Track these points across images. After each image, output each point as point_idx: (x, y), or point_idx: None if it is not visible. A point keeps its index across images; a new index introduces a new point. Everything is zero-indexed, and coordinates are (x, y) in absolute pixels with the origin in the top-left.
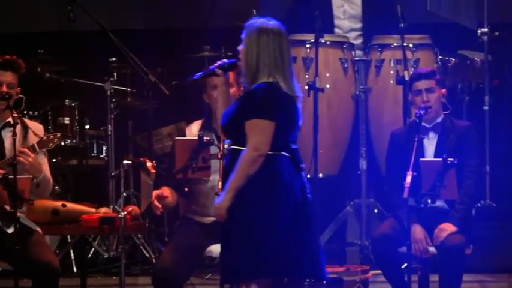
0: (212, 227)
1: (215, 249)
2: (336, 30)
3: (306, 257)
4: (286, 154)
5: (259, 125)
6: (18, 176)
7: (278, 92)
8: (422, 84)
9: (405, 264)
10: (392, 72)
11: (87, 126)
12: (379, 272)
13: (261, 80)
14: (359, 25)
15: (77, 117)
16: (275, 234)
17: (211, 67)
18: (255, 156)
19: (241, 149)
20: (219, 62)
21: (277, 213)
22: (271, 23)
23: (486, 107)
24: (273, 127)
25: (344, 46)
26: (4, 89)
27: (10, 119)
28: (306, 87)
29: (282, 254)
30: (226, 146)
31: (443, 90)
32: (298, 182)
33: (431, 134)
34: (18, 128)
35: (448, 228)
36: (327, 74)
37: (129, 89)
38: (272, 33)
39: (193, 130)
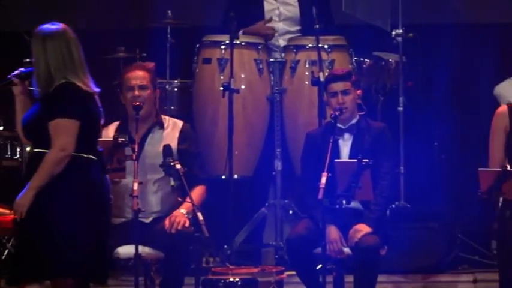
0: (120, 229)
1: (122, 250)
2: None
3: (103, 259)
4: (94, 157)
5: (63, 124)
6: None
7: (76, 90)
8: (337, 86)
9: (320, 265)
10: (307, 73)
11: (0, 128)
12: (294, 273)
13: (56, 83)
14: (296, 27)
15: None
16: (78, 235)
17: (9, 76)
18: (61, 156)
19: (43, 151)
20: (16, 71)
21: (83, 215)
22: (54, 27)
23: (401, 108)
24: (77, 126)
25: (259, 47)
26: None
27: None
28: (221, 88)
29: (83, 254)
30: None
31: (359, 92)
32: (105, 185)
33: (346, 135)
34: None
35: (362, 229)
36: (242, 75)
37: None
38: (57, 36)
39: (110, 132)
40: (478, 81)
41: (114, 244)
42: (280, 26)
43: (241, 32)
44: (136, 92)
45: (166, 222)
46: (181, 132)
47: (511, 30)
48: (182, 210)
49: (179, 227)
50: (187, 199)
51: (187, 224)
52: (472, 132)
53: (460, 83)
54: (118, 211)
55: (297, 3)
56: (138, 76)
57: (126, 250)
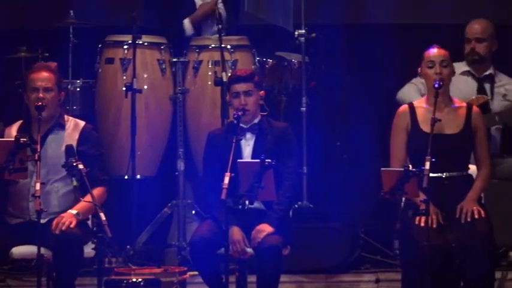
0: (16, 229)
1: (16, 251)
2: (203, 33)
3: None
4: None
5: None
6: None
7: None
8: (240, 87)
9: (223, 265)
10: (210, 73)
11: None
12: (197, 273)
13: None
14: (215, 28)
15: None
16: None
17: None
18: None
19: None
20: None
21: None
22: None
23: (303, 108)
24: None
25: (162, 47)
26: None
27: None
28: (124, 89)
29: None
30: None
31: (261, 93)
32: None
33: (249, 135)
34: None
35: (265, 229)
36: (145, 75)
37: None
38: None
39: (13, 131)
40: (381, 82)
41: (10, 244)
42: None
43: (186, 20)
44: (41, 94)
45: (54, 222)
46: (82, 133)
47: (409, 30)
48: (73, 210)
49: (63, 228)
50: (88, 199)
51: (72, 225)
52: (374, 132)
53: (364, 83)
54: (18, 211)
55: (221, 4)
56: (43, 78)
57: (20, 250)
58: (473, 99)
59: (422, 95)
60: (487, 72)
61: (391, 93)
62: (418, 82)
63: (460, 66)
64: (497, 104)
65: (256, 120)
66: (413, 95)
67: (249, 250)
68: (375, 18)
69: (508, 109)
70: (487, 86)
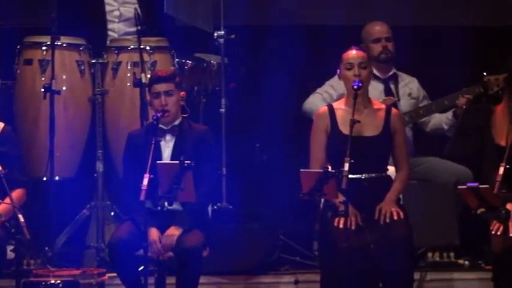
0: None
1: None
2: (110, 33)
3: None
4: None
5: None
6: None
7: None
8: (160, 87)
9: (142, 267)
10: (129, 74)
11: None
12: (116, 274)
13: None
14: (135, 28)
15: None
16: None
17: None
18: None
19: None
20: None
21: None
22: None
23: (223, 110)
24: None
25: (81, 48)
26: None
27: None
28: (42, 90)
29: None
30: None
31: (182, 94)
32: None
33: (168, 137)
34: None
35: (173, 232)
36: (64, 76)
37: None
38: None
39: None
40: (299, 83)
41: None
42: (120, 27)
43: None
44: None
45: None
46: (1, 134)
47: (323, 31)
48: None
49: None
50: (7, 200)
51: None
52: (293, 133)
53: (282, 84)
54: None
55: (137, 4)
56: None
57: None
58: (381, 102)
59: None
60: (391, 73)
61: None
62: (322, 92)
63: None
64: (404, 104)
65: (176, 122)
66: (319, 104)
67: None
68: (283, 20)
69: (415, 108)
70: (392, 87)
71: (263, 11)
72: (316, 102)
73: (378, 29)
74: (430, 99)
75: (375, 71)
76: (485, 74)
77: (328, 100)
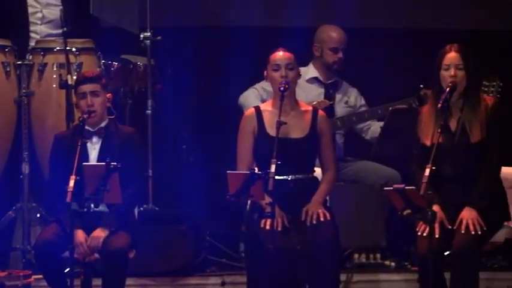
0: None
1: None
2: (33, 35)
3: None
4: None
5: None
6: None
7: None
8: (87, 88)
9: (68, 269)
10: (55, 76)
11: None
12: (42, 276)
13: None
14: (58, 30)
15: None
16: None
17: None
18: None
19: None
20: None
21: None
22: None
23: (149, 111)
24: None
25: (6, 50)
26: None
27: None
28: None
29: None
30: None
31: (109, 95)
32: None
33: (95, 139)
34: None
35: (99, 234)
36: None
37: None
38: None
39: None
40: (226, 84)
41: None
42: (42, 29)
43: None
44: None
45: None
46: None
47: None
48: None
49: None
50: None
51: None
52: (220, 134)
53: (208, 85)
54: None
55: (60, 6)
56: None
57: None
58: (316, 103)
59: (262, 101)
60: (333, 79)
61: (234, 96)
62: (259, 87)
63: (307, 72)
64: (340, 111)
65: (103, 124)
66: (253, 100)
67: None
68: (224, 21)
69: (348, 114)
70: (331, 92)
71: (190, 12)
72: (250, 98)
73: (339, 38)
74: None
75: (318, 75)
76: (421, 86)
77: (263, 96)
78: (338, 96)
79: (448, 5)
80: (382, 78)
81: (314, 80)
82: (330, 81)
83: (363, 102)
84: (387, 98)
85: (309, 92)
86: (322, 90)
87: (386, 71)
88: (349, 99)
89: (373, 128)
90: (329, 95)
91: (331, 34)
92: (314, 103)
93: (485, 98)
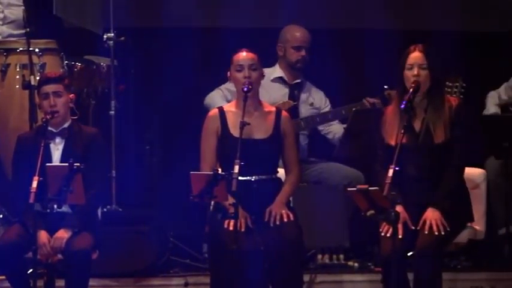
0: None
1: None
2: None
3: None
4: None
5: None
6: None
7: None
8: (50, 88)
9: (31, 270)
10: (18, 76)
11: None
12: (4, 277)
13: None
14: (20, 31)
15: None
16: None
17: None
18: None
19: None
20: None
21: None
22: None
23: (112, 112)
24: None
25: None
26: None
27: None
28: None
29: None
30: None
31: (71, 96)
32: None
33: (58, 139)
34: None
35: (62, 235)
36: None
37: None
38: None
39: None
40: (189, 84)
41: None
42: (4, 29)
43: None
44: None
45: None
46: None
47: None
48: None
49: None
50: None
51: None
52: (184, 135)
53: (172, 86)
54: None
55: (23, 6)
56: None
57: None
58: (281, 103)
59: (227, 101)
60: (299, 80)
61: (196, 97)
62: (224, 88)
63: (272, 72)
64: (304, 112)
65: (66, 125)
66: (218, 100)
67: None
68: (174, 22)
69: (312, 115)
70: (296, 93)
71: (153, 13)
72: (215, 98)
73: (302, 37)
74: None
75: (284, 75)
76: (386, 87)
77: (228, 97)
78: (303, 97)
79: (411, 6)
80: (347, 79)
81: (279, 79)
82: (295, 82)
83: (328, 104)
84: (352, 98)
85: (273, 92)
86: (287, 91)
87: (352, 71)
88: (314, 100)
89: (336, 129)
90: (294, 96)
91: (294, 33)
92: (278, 103)
93: (450, 98)
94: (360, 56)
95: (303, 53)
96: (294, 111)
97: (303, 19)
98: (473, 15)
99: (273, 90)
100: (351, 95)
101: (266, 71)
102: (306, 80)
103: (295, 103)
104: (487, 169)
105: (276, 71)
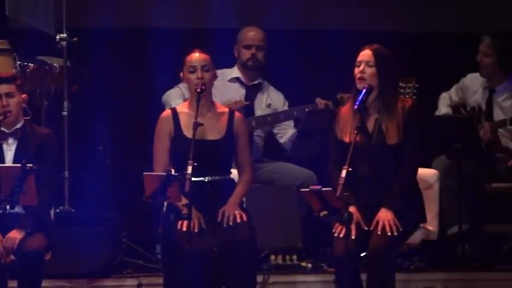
0: None
1: None
2: None
3: None
4: None
5: None
6: None
7: None
8: (2, 89)
9: None
10: None
11: None
12: None
13: None
14: None
15: None
16: None
17: None
18: None
19: None
20: None
21: None
22: None
23: (65, 113)
24: None
25: None
26: None
27: None
28: None
29: None
30: None
31: (24, 96)
32: None
33: (11, 140)
34: None
35: (14, 236)
36: None
37: None
38: None
39: None
40: (142, 84)
41: None
42: None
43: None
44: None
45: None
46: None
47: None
48: None
49: None
50: None
51: None
52: (137, 135)
53: (125, 86)
54: None
55: None
56: None
57: None
58: (232, 103)
59: (185, 99)
60: (256, 81)
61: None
62: (182, 86)
63: (230, 73)
64: (261, 112)
65: (19, 125)
66: (175, 98)
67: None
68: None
69: (263, 115)
70: (254, 95)
71: (105, 13)
72: (172, 95)
73: (252, 35)
74: None
75: (241, 76)
76: (338, 91)
77: (186, 95)
78: (260, 98)
79: (370, 6)
80: (305, 80)
81: (236, 80)
82: (252, 83)
83: (286, 106)
84: (310, 100)
85: (230, 92)
86: (244, 91)
87: (310, 72)
88: (272, 101)
89: (289, 132)
90: (250, 97)
91: (246, 33)
92: (229, 103)
93: (403, 99)
94: (317, 57)
95: (253, 51)
96: (249, 111)
97: (263, 20)
98: (428, 16)
99: (230, 90)
100: (309, 96)
101: (225, 71)
102: (266, 81)
103: (247, 103)
104: (438, 169)
105: (234, 72)
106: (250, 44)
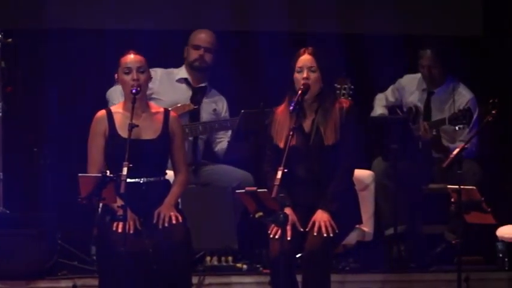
0: None
1: None
2: None
3: None
4: None
5: None
6: None
7: None
8: None
9: None
10: None
11: None
12: None
13: None
14: None
15: None
16: None
17: None
18: None
19: None
20: None
21: None
22: None
23: (0, 114)
24: None
25: None
26: None
27: None
28: None
29: None
30: None
31: None
32: None
33: None
34: None
35: None
36: None
37: None
38: None
39: None
40: (83, 86)
41: None
42: None
43: None
44: None
45: None
46: None
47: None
48: None
49: None
50: None
51: None
52: (74, 136)
53: (62, 87)
54: None
55: None
56: None
57: None
58: (179, 106)
59: None
60: (203, 84)
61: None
62: None
63: (178, 72)
64: (205, 117)
65: None
66: (117, 96)
67: None
68: (61, 23)
69: (195, 123)
70: (200, 97)
71: (40, 14)
72: (113, 93)
73: (202, 37)
74: None
75: (188, 77)
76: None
77: None
78: (205, 102)
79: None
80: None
81: (183, 80)
82: (199, 86)
83: (227, 114)
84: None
85: (177, 93)
86: (190, 93)
87: (251, 76)
88: (216, 106)
89: (224, 142)
90: (196, 99)
91: (196, 34)
92: (178, 105)
93: (341, 100)
94: (256, 60)
95: (201, 52)
96: (194, 114)
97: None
98: (362, 17)
99: (177, 91)
100: (250, 102)
101: (173, 71)
102: (211, 85)
103: (195, 107)
104: (375, 170)
105: (181, 72)
106: (199, 45)
